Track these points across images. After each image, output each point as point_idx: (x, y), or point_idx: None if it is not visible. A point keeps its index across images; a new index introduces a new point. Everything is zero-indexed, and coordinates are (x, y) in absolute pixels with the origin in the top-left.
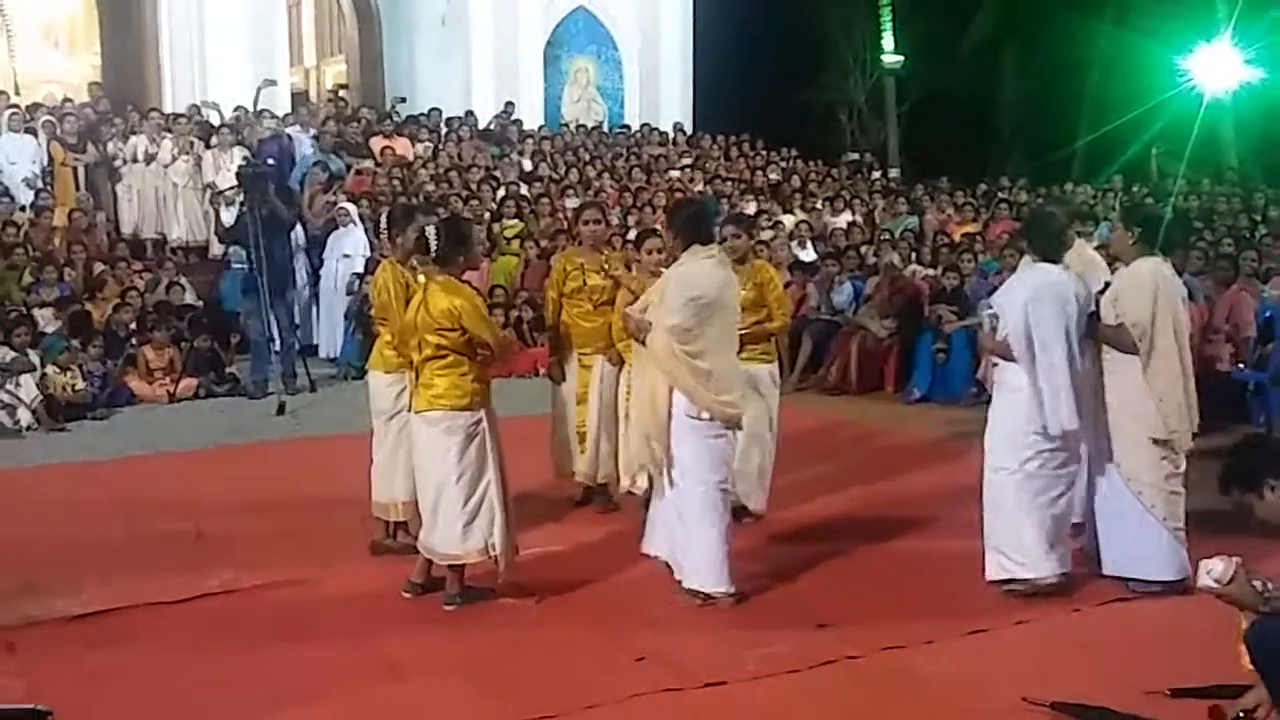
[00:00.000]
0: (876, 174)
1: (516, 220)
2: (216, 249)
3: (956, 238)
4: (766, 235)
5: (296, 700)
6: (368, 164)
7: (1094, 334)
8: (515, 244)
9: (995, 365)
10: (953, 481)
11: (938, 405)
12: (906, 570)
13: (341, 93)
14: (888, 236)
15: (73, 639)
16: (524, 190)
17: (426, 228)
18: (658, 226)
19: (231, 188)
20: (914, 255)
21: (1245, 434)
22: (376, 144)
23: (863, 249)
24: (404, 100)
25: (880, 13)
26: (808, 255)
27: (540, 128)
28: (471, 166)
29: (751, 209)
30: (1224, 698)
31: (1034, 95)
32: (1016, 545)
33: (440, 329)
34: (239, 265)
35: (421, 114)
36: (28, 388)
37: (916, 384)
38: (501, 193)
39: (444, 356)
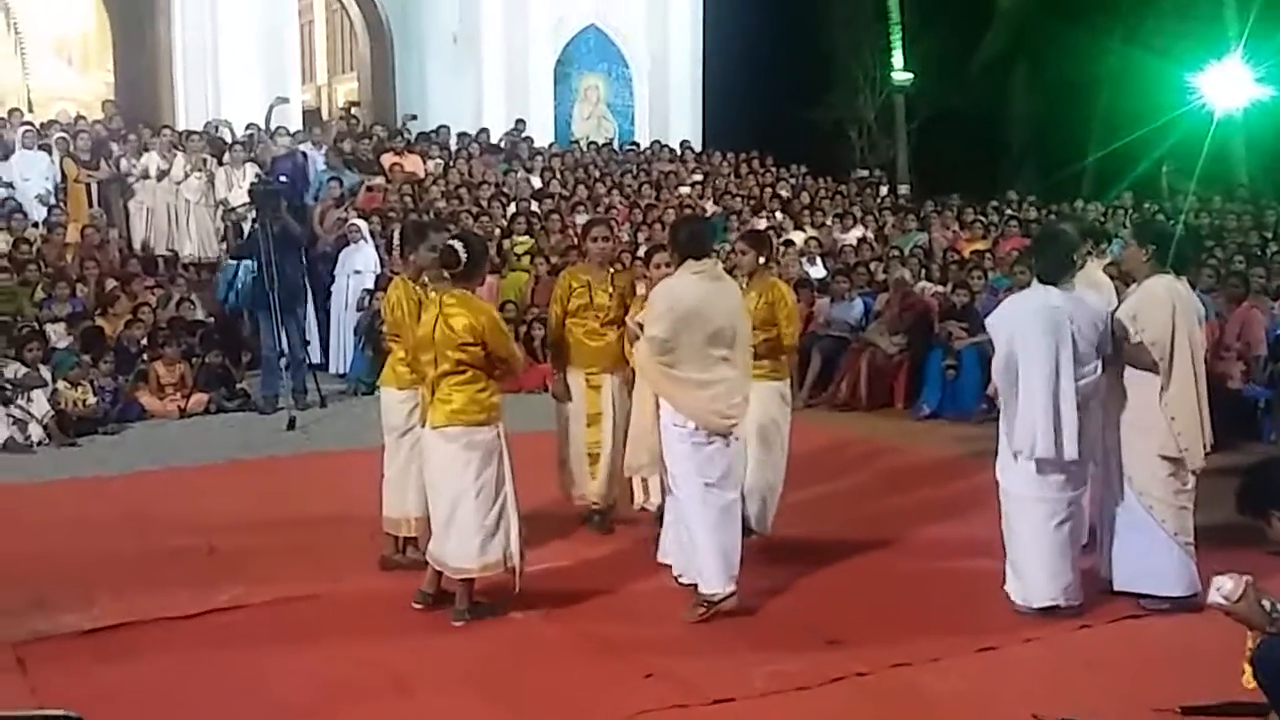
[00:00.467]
0: (885, 190)
1: (527, 237)
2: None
3: (966, 254)
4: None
5: (306, 714)
6: (379, 180)
7: (1118, 352)
8: (526, 260)
9: None
10: (962, 499)
11: (948, 422)
12: (915, 587)
13: (353, 110)
14: (897, 253)
15: (83, 654)
16: (534, 207)
17: (452, 243)
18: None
19: (244, 204)
20: (924, 272)
21: (1261, 458)
22: (387, 161)
23: (873, 265)
24: (415, 117)
25: (890, 30)
26: (817, 272)
27: (551, 145)
28: (482, 183)
29: (762, 225)
30: (1235, 715)
31: (1044, 113)
32: (1022, 573)
33: (464, 344)
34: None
35: (433, 131)
36: (39, 403)
37: (926, 400)
38: (512, 209)
39: (463, 372)
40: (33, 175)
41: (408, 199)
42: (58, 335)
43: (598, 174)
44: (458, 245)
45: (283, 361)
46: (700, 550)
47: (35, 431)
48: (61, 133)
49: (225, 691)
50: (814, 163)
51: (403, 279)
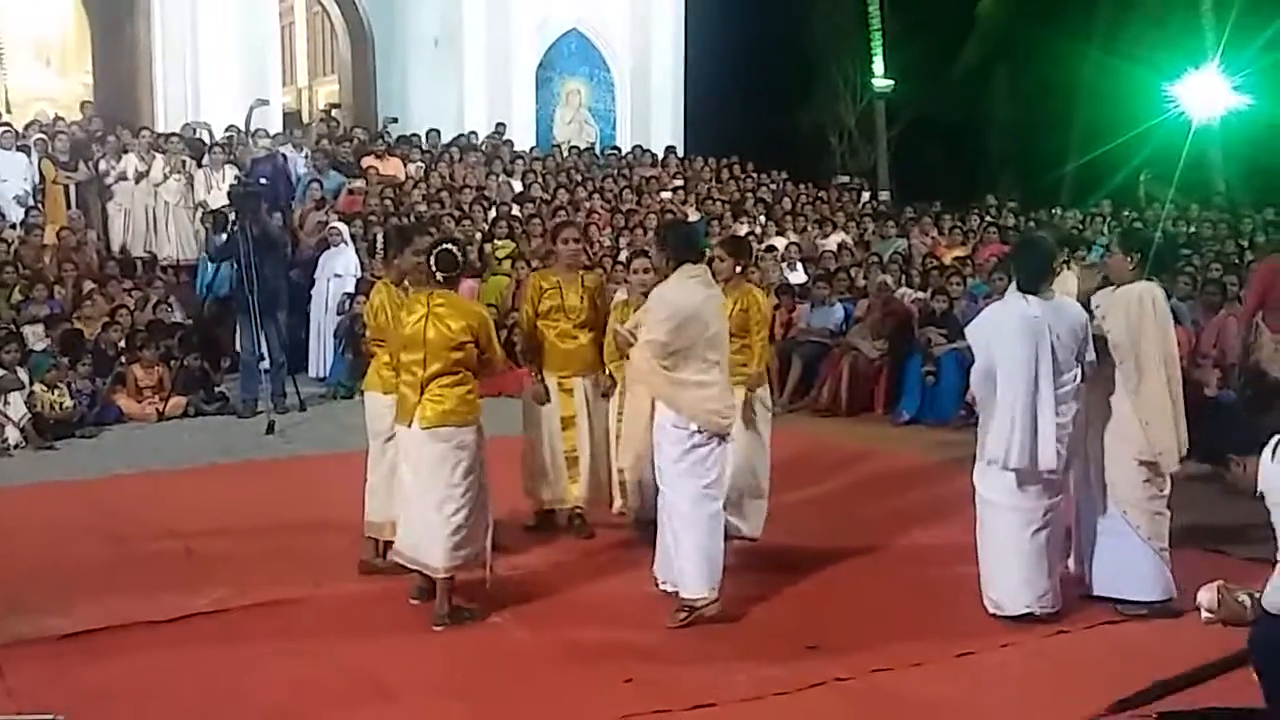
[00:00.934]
0: (865, 196)
1: (508, 240)
2: (204, 267)
3: (946, 261)
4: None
5: (286, 719)
6: (359, 184)
7: (1096, 356)
8: (507, 264)
9: None
10: (941, 503)
11: (927, 427)
12: (896, 592)
13: (334, 112)
14: (877, 259)
15: (61, 658)
16: (515, 210)
17: (449, 247)
18: (647, 247)
19: (224, 207)
20: (904, 278)
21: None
22: (367, 164)
23: (853, 271)
24: (395, 120)
25: (870, 37)
26: (798, 277)
27: (532, 149)
28: (464, 187)
29: (743, 231)
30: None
31: (1023, 120)
32: (997, 580)
33: (460, 344)
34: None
35: (415, 134)
36: (16, 406)
37: (905, 406)
38: (493, 213)
39: (456, 373)
40: (11, 176)
41: (388, 202)
42: (35, 337)
43: (579, 178)
44: (453, 249)
45: (262, 365)
46: (685, 554)
47: (12, 434)
48: (40, 134)
49: (205, 696)
50: (795, 168)
51: (386, 283)
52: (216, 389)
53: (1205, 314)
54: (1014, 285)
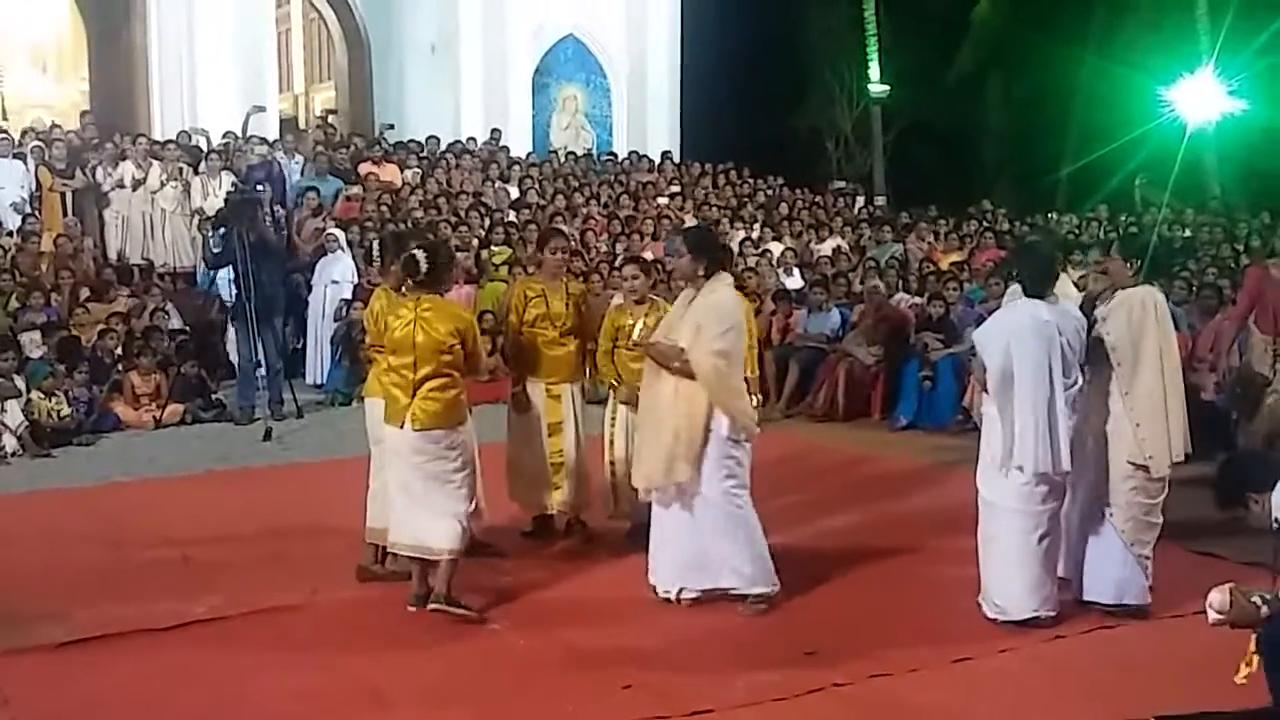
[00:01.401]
0: (861, 201)
1: (505, 247)
2: (202, 274)
3: (943, 266)
4: (753, 261)
5: None
6: (356, 190)
7: (1093, 361)
8: (504, 270)
9: (984, 394)
10: (939, 508)
11: (924, 432)
12: (893, 597)
13: (330, 118)
14: (874, 264)
15: (58, 666)
16: (512, 217)
17: (414, 253)
18: (641, 254)
19: (220, 211)
20: (900, 283)
21: (1221, 457)
22: (365, 170)
23: (850, 276)
24: (392, 127)
25: (866, 42)
26: (794, 282)
27: (529, 155)
28: (460, 193)
29: (739, 236)
30: None
31: (1018, 125)
32: (1002, 586)
33: (448, 347)
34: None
35: (412, 140)
36: (13, 413)
37: (902, 411)
38: (490, 219)
39: (446, 375)
40: (7, 184)
41: (385, 209)
42: (32, 345)
43: (576, 184)
44: (419, 255)
45: (259, 372)
46: (751, 556)
47: (9, 442)
48: (37, 141)
49: (202, 704)
50: (791, 174)
51: (385, 289)
52: (214, 396)
53: (1201, 318)
54: (1019, 290)
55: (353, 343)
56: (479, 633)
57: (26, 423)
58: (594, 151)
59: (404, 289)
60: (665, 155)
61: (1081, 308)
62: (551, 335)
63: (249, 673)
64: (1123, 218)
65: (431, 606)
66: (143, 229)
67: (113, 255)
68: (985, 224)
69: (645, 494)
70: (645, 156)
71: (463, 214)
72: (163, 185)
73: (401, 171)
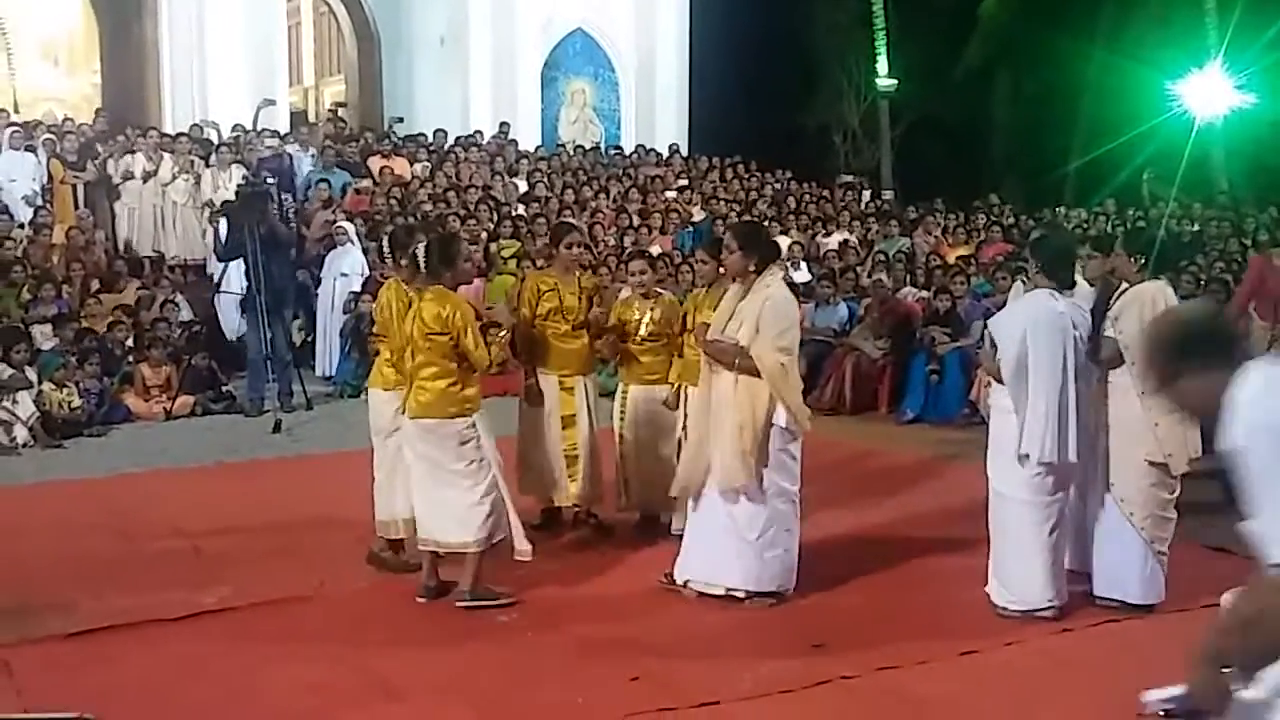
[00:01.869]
0: (869, 195)
1: (513, 240)
2: (214, 266)
3: (950, 260)
4: None
5: (293, 719)
6: (366, 183)
7: (1097, 358)
8: (512, 264)
9: (992, 386)
10: (945, 502)
11: (930, 426)
12: (900, 590)
13: (340, 112)
14: (883, 258)
15: (69, 656)
16: (521, 210)
17: (416, 246)
18: (651, 249)
19: (226, 202)
20: (908, 277)
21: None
22: (375, 163)
23: (857, 270)
24: (401, 120)
25: (874, 36)
26: (802, 276)
27: (537, 148)
28: (469, 187)
29: None
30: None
31: (1026, 120)
32: (1015, 575)
33: (431, 334)
34: (233, 292)
35: (421, 134)
36: (25, 405)
37: (909, 405)
38: (498, 213)
39: (434, 365)
40: (19, 176)
41: (394, 202)
42: (43, 337)
43: (584, 178)
44: (419, 249)
45: (269, 364)
46: (792, 552)
47: (20, 433)
48: (48, 134)
49: (212, 694)
50: (799, 168)
51: (396, 282)
52: (224, 388)
53: None
54: (1018, 283)
55: (362, 335)
56: (488, 624)
57: (38, 414)
58: (602, 145)
59: (414, 281)
60: (673, 149)
61: (1095, 304)
62: (564, 329)
63: (259, 664)
64: (1130, 212)
65: (458, 604)
66: (154, 221)
67: (124, 247)
68: (992, 218)
69: (683, 491)
70: (653, 150)
71: (471, 207)
72: (174, 178)
73: (411, 165)
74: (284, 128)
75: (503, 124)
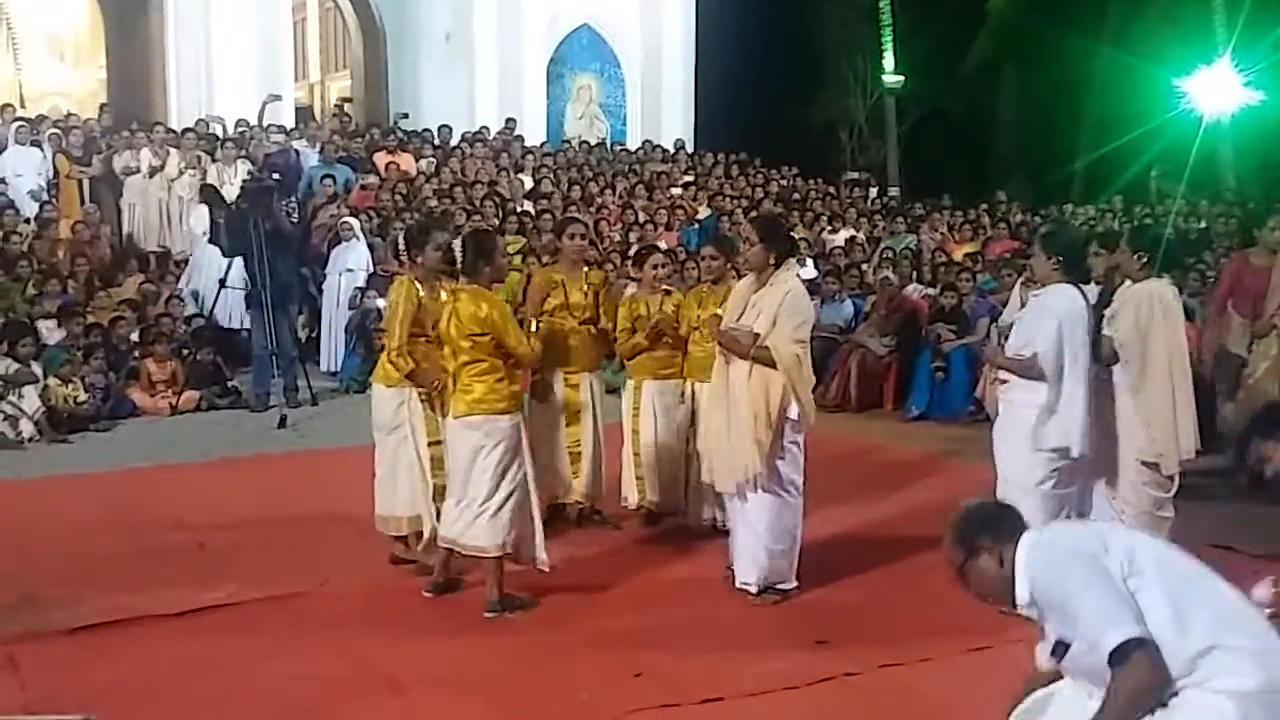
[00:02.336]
0: (875, 191)
1: (519, 236)
2: (198, 251)
3: (957, 257)
4: None
5: (298, 713)
6: (371, 179)
7: (1097, 356)
8: (518, 260)
9: (999, 383)
10: (951, 498)
11: (936, 423)
12: (904, 587)
13: (346, 108)
14: (889, 255)
15: (74, 651)
16: (526, 206)
17: (451, 241)
18: (656, 243)
19: (205, 186)
20: (914, 274)
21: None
22: (380, 159)
23: (863, 267)
24: (406, 116)
25: (881, 32)
26: (808, 273)
27: (543, 144)
28: (475, 183)
29: None
30: None
31: (1033, 116)
32: None
33: (471, 335)
34: (237, 287)
35: (426, 129)
36: (30, 399)
37: (915, 402)
38: (504, 209)
39: (480, 362)
40: (25, 171)
41: (399, 197)
42: (49, 331)
43: (590, 174)
44: (454, 244)
45: (274, 359)
46: (796, 547)
47: (26, 428)
48: (54, 129)
49: (217, 689)
50: (805, 164)
51: (409, 279)
52: (229, 383)
53: None
54: (1047, 276)
55: (367, 331)
56: (492, 620)
57: (44, 409)
58: (608, 141)
59: (437, 279)
60: (679, 145)
61: (1097, 302)
62: (570, 325)
63: (264, 658)
64: (1138, 209)
65: (486, 615)
66: (159, 216)
67: (129, 242)
68: (999, 215)
69: (724, 486)
70: (659, 146)
71: (477, 203)
72: (180, 173)
73: (416, 160)
74: (289, 123)
75: (508, 120)
